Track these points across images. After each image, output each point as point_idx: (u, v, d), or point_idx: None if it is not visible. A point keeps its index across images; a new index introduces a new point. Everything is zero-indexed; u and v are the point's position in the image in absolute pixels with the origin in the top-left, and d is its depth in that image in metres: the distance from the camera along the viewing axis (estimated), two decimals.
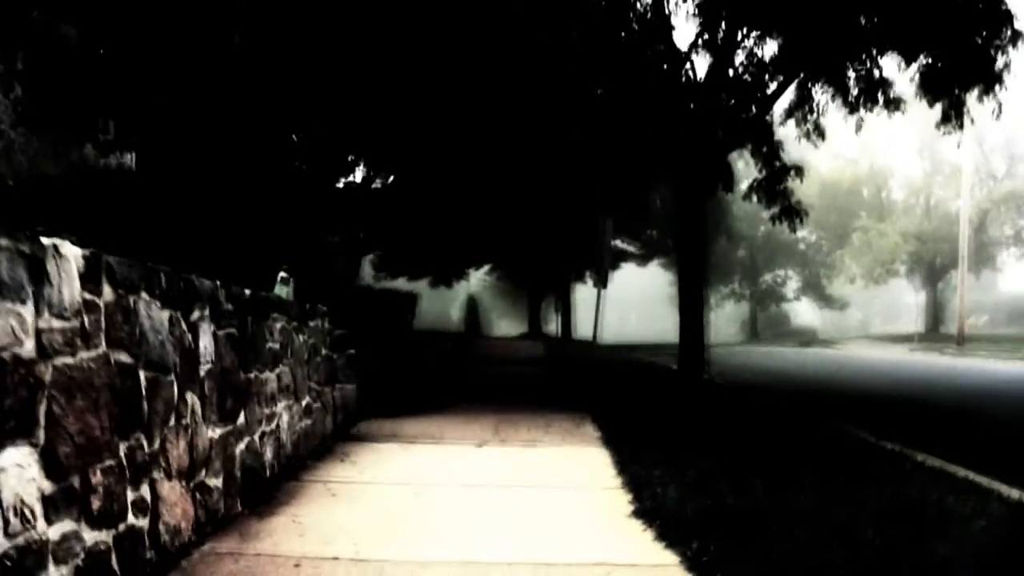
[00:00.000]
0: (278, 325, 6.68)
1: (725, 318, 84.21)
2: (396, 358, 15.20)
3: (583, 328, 44.27)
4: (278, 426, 6.53)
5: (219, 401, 5.23)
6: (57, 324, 3.27)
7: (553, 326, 48.17)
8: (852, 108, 16.28)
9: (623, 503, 5.78)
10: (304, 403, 7.38)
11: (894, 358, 32.80)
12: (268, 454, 6.23)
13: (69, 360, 3.35)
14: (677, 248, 15.94)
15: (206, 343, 5.05)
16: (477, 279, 57.81)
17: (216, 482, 5.08)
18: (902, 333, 57.27)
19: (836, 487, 5.98)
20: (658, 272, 65.03)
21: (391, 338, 19.19)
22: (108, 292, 3.74)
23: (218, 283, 5.32)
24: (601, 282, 21.16)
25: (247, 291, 5.91)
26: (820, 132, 16.74)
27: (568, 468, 7.08)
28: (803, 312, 78.99)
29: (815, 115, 16.73)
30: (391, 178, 32.55)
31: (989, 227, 51.49)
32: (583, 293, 47.34)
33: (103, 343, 3.68)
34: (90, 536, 3.48)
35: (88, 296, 3.54)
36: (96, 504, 3.54)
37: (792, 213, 16.61)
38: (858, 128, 16.60)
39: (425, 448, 7.95)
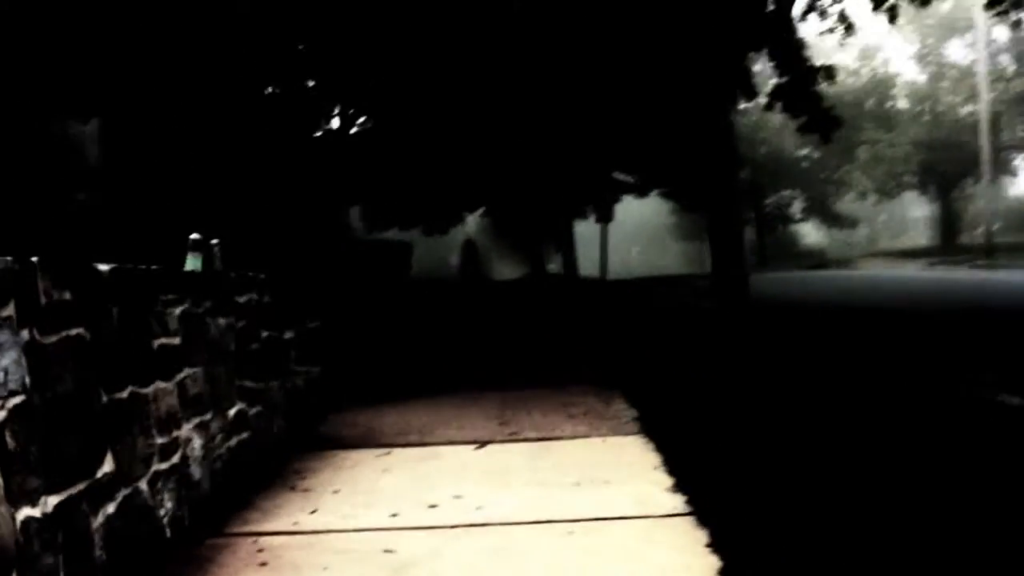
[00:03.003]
0: (176, 311, 4.64)
1: None
2: (382, 320, 13.25)
3: (587, 266, 42.32)
4: (185, 458, 4.52)
5: (47, 451, 3.20)
6: None
7: (555, 266, 46.11)
8: None
9: (699, 552, 3.79)
10: (233, 412, 5.36)
11: (938, 277, 30.01)
12: (168, 504, 4.22)
13: None
14: (704, 169, 13.77)
15: (7, 363, 3.01)
16: (473, 222, 55.76)
17: None
18: (915, 247, 55.28)
19: None
20: (657, 202, 62.90)
21: (381, 295, 17.26)
22: None
23: (35, 261, 3.29)
24: (604, 216, 19.16)
25: (104, 267, 3.87)
26: (848, 24, 14.54)
27: (601, 479, 5.06)
28: (808, 233, 76.84)
29: (839, 5, 14.54)
30: (371, 122, 30.43)
31: (1003, 130, 49.09)
32: (583, 229, 45.34)
33: None
34: None
35: None
36: None
37: (824, 121, 14.45)
38: (892, 18, 14.36)
39: (406, 456, 5.93)
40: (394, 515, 4.55)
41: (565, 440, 6.18)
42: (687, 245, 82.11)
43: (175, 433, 4.43)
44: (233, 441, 5.27)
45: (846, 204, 66.15)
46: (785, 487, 4.65)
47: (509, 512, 4.55)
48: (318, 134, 27.63)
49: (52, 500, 3.19)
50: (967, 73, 50.91)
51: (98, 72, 17.09)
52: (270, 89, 25.09)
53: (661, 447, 5.68)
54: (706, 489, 4.62)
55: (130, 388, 3.96)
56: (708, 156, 13.41)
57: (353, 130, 29.12)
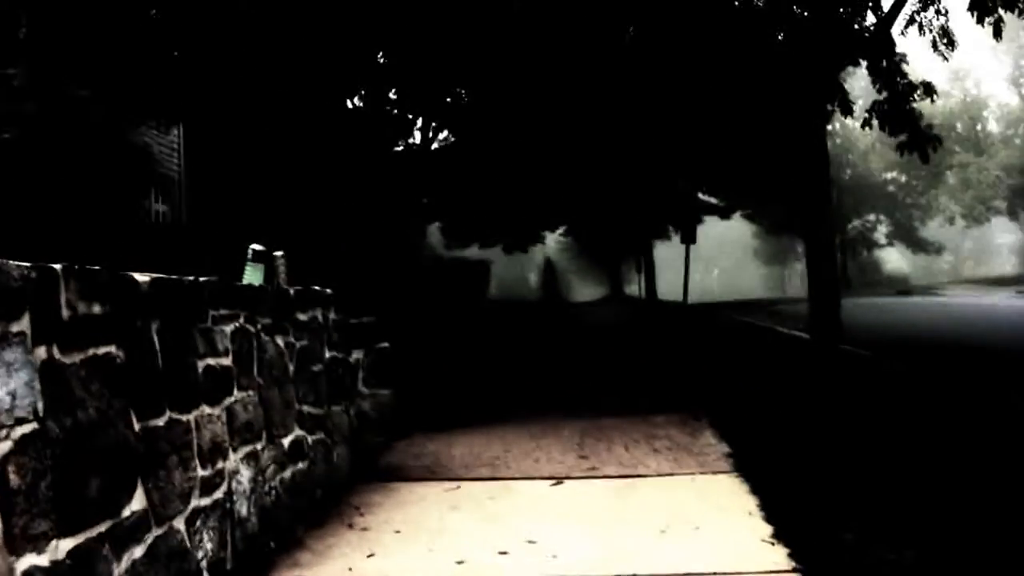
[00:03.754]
0: (228, 328, 4.23)
1: None
2: (458, 339, 12.85)
3: (665, 288, 41.59)
4: (230, 492, 4.08)
5: (62, 488, 2.77)
6: None
7: (635, 287, 45.47)
8: (983, 9, 13.29)
9: None
10: (288, 441, 4.92)
11: None
12: (207, 545, 3.79)
13: None
14: (798, 190, 13.10)
15: (16, 385, 2.60)
16: (553, 241, 55.45)
17: None
18: (1002, 275, 53.43)
19: None
20: (739, 224, 61.91)
21: (458, 313, 16.92)
22: None
23: (57, 268, 2.88)
24: (689, 237, 18.61)
25: (142, 277, 3.46)
26: (949, 39, 13.77)
27: (691, 525, 4.50)
28: (891, 259, 74.91)
29: (943, 17, 13.77)
30: (453, 137, 30.20)
31: None
32: (662, 251, 44.68)
33: None
34: None
35: None
36: None
37: (923, 140, 13.70)
38: (996, 32, 13.54)
39: (476, 491, 5.43)
40: (460, 562, 4.06)
41: (650, 478, 5.64)
42: (769, 269, 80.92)
43: (220, 464, 4.00)
44: (288, 472, 4.82)
45: (931, 230, 64.48)
46: (901, 539, 4.05)
47: (588, 562, 4.04)
48: (399, 148, 27.44)
49: (65, 545, 2.76)
50: None
51: (181, 80, 17.05)
52: (352, 104, 25.04)
53: (757, 488, 5.11)
54: (812, 541, 4.05)
55: (168, 414, 3.54)
56: (803, 176, 12.75)
57: (434, 146, 28.87)
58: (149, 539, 3.29)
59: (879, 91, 13.75)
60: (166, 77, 16.57)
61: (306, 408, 5.25)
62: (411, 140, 28.53)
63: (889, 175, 60.54)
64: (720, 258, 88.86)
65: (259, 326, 4.62)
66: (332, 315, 5.95)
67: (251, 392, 4.44)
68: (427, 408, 8.00)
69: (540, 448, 6.58)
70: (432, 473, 5.94)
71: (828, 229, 12.76)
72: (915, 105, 13.97)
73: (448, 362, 10.26)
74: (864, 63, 13.75)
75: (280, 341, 4.92)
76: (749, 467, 5.62)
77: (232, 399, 4.20)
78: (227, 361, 4.20)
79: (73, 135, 15.32)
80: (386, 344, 7.29)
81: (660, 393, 9.24)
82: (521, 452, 6.45)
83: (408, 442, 7.00)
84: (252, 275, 5.38)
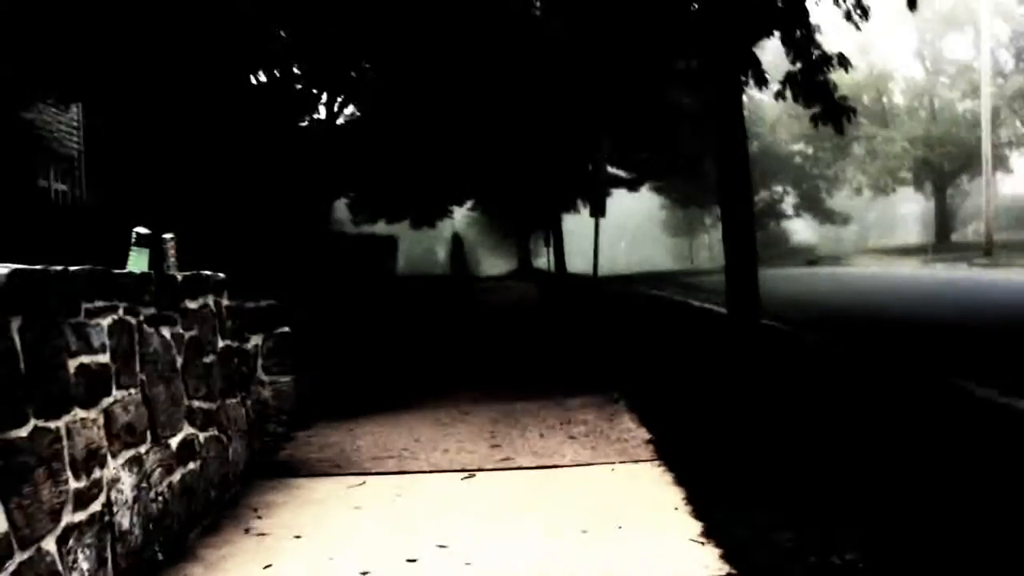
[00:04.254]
0: (105, 321, 3.83)
1: (718, 241, 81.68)
2: (364, 319, 12.48)
3: (574, 262, 41.55)
4: (109, 504, 3.69)
5: None
6: None
7: (544, 260, 45.39)
8: None
9: None
10: (177, 441, 4.52)
11: (943, 276, 28.51)
12: (84, 565, 3.39)
13: None
14: (718, 160, 12.92)
15: None
16: (462, 216, 55.08)
17: None
18: (908, 245, 54.63)
19: None
20: (647, 197, 62.28)
21: (365, 292, 16.47)
22: None
23: None
24: (598, 211, 18.47)
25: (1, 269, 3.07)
26: (863, 10, 13.70)
27: (613, 523, 4.22)
28: (799, 230, 76.25)
29: None
30: (358, 112, 29.60)
31: (1001, 127, 48.35)
32: (570, 223, 44.64)
33: None
34: None
35: None
36: None
37: (838, 111, 13.64)
38: (911, 4, 13.51)
39: (383, 487, 5.11)
40: (364, 573, 3.74)
41: (567, 468, 5.37)
42: (676, 240, 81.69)
43: (98, 474, 3.61)
44: (177, 475, 4.43)
45: (843, 200, 65.68)
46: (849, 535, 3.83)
47: (504, 570, 3.75)
48: (303, 124, 26.76)
49: None
50: (966, 69, 50.26)
51: (80, 56, 16.27)
52: (256, 80, 24.29)
53: (683, 479, 4.85)
54: (745, 541, 3.81)
55: (33, 423, 3.15)
56: (720, 149, 12.56)
57: (340, 120, 28.24)
58: (11, 566, 2.91)
59: (792, 62, 13.62)
60: (62, 53, 15.81)
61: (197, 403, 4.85)
62: (316, 116, 27.85)
63: (796, 147, 61.37)
64: (627, 231, 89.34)
65: (142, 317, 4.22)
66: (225, 301, 5.55)
67: (133, 391, 4.04)
68: (332, 394, 7.63)
69: (450, 436, 6.28)
70: (336, 467, 5.60)
71: (747, 203, 12.61)
72: (829, 77, 13.90)
73: (354, 343, 9.86)
74: (777, 33, 13.61)
75: (167, 332, 4.52)
76: (672, 455, 5.37)
77: (111, 400, 3.81)
78: (104, 358, 3.80)
79: None
80: (286, 328, 6.89)
81: (574, 374, 8.97)
82: (430, 441, 6.14)
83: (311, 432, 6.64)
84: (137, 260, 4.96)
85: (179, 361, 4.66)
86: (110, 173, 22.31)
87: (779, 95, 13.88)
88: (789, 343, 10.72)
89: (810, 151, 61.44)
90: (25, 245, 7.96)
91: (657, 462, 5.34)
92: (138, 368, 4.13)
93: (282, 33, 21.93)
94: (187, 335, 4.80)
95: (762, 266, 14.00)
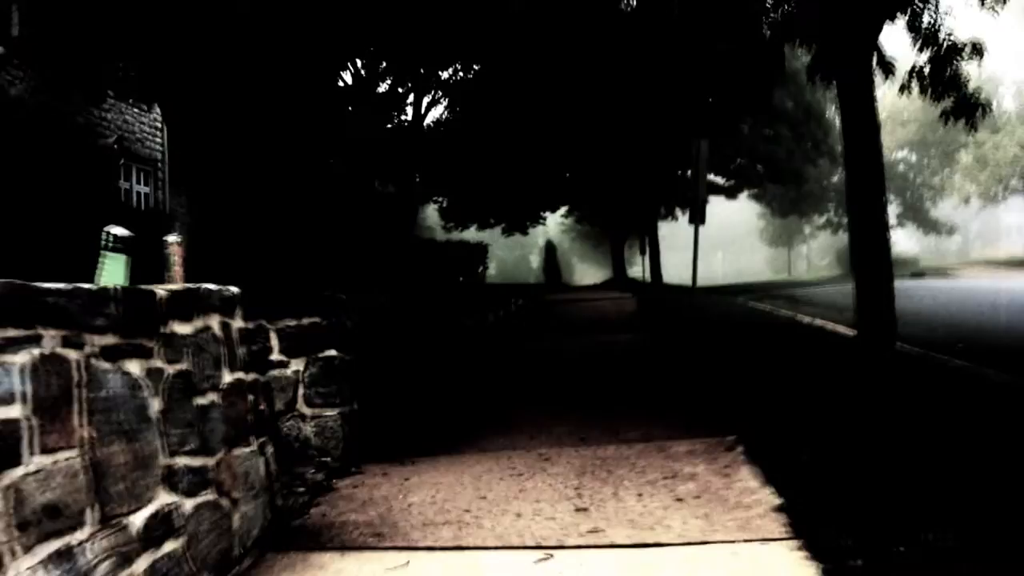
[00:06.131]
0: (19, 358, 2.67)
1: (816, 250, 79.20)
2: (436, 334, 11.35)
3: (670, 271, 40.02)
4: None
5: None
6: None
7: (638, 269, 43.87)
8: None
9: None
10: (144, 517, 3.32)
11: None
12: None
13: None
14: (845, 158, 11.41)
15: None
16: (555, 223, 53.96)
17: None
18: (1012, 256, 51.94)
19: None
20: (744, 205, 60.49)
21: (448, 301, 15.40)
22: None
23: None
24: (698, 217, 17.10)
25: None
26: None
27: None
28: (899, 240, 73.43)
29: None
30: (448, 115, 28.66)
31: None
32: (665, 231, 43.14)
33: None
34: None
35: None
36: None
37: (971, 106, 12.07)
38: None
39: (431, 570, 3.86)
40: None
41: (673, 548, 4.05)
42: (774, 251, 79.74)
43: None
44: (141, 565, 3.24)
45: (948, 209, 63.15)
46: None
47: None
48: (389, 126, 25.84)
49: None
50: None
51: (161, 54, 15.61)
52: (343, 82, 23.47)
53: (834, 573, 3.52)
54: None
55: None
56: (850, 146, 11.04)
57: (427, 122, 27.29)
58: None
59: (920, 50, 12.13)
60: (141, 50, 15.18)
61: (182, 461, 3.66)
62: (404, 117, 26.95)
63: (900, 154, 59.05)
64: (724, 240, 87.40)
65: (90, 350, 3.05)
66: (238, 322, 4.36)
67: (66, 455, 2.87)
68: (389, 424, 6.43)
69: (526, 493, 4.99)
70: (376, 536, 4.36)
71: (880, 206, 11.09)
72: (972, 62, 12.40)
73: (422, 362, 8.68)
74: (904, 18, 12.13)
75: (134, 369, 3.35)
76: (814, 533, 3.98)
77: (21, 472, 2.64)
78: (14, 411, 2.63)
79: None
80: (333, 352, 5.72)
81: (677, 408, 7.54)
82: (499, 501, 4.86)
83: (355, 481, 5.43)
84: (111, 269, 3.81)
85: (154, 406, 3.48)
86: (193, 176, 21.78)
87: (904, 88, 12.34)
88: (948, 377, 8.79)
89: (914, 159, 59.08)
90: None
91: (794, 542, 3.96)
92: (78, 422, 2.95)
93: (371, 29, 21.05)
94: (170, 370, 3.63)
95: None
